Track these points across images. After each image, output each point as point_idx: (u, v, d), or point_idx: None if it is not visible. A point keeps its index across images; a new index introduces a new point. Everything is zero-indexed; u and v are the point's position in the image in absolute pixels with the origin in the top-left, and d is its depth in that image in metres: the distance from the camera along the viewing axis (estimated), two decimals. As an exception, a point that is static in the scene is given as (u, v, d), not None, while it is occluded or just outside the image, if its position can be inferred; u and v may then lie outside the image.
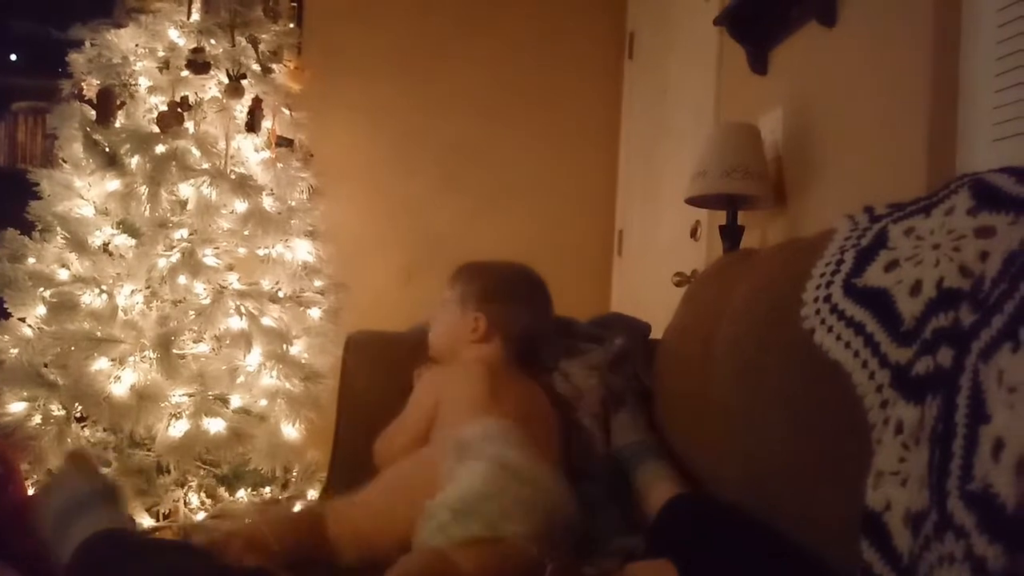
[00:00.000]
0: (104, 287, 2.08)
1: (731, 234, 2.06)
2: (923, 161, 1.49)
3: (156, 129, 2.19)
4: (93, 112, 2.21)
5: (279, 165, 2.34)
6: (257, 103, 2.31)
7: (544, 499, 1.05)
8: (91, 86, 2.24)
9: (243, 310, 2.14)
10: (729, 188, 1.96)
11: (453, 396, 1.32)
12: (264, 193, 2.28)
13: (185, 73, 2.23)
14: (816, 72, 1.94)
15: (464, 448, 1.12)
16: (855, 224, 1.07)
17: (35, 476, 2.02)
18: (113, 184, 2.16)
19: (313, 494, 2.19)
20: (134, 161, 2.15)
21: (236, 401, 2.15)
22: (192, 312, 2.10)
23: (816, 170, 1.92)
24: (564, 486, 1.12)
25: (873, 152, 1.69)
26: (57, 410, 2.04)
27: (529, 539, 1.01)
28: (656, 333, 1.68)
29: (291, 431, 2.19)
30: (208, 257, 2.16)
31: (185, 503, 2.10)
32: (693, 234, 2.56)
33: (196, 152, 2.20)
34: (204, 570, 0.97)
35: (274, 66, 2.39)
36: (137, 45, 2.28)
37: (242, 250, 2.27)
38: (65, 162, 2.25)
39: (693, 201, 2.12)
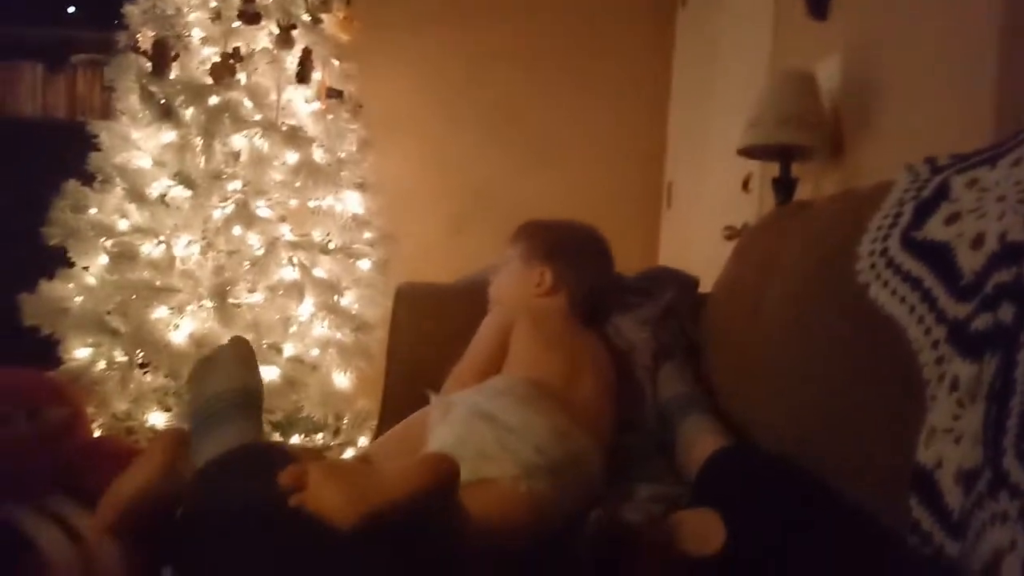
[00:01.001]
0: (162, 237, 2.13)
1: (784, 186, 2.01)
2: (990, 110, 1.43)
3: (209, 80, 2.21)
4: (149, 64, 2.24)
5: (329, 117, 2.35)
6: (307, 54, 2.31)
7: (529, 441, 1.03)
8: (146, 38, 2.26)
9: (295, 261, 2.17)
10: (783, 138, 1.91)
11: (525, 336, 1.32)
12: (315, 145, 2.30)
13: (236, 24, 2.24)
14: (879, 17, 1.87)
15: (447, 407, 1.12)
16: (916, 176, 1.04)
17: (100, 419, 2.11)
18: (169, 136, 2.20)
19: (364, 441, 2.24)
20: (188, 113, 2.18)
21: (289, 350, 2.20)
22: (246, 263, 2.15)
23: (875, 120, 1.86)
24: (565, 428, 1.09)
25: (936, 101, 1.63)
26: (120, 356, 2.11)
27: (519, 478, 1.00)
28: (705, 287, 1.67)
29: (342, 380, 2.24)
30: (261, 208, 2.19)
31: (242, 445, 2.17)
32: (745, 186, 2.51)
33: (248, 104, 2.22)
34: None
35: (324, 16, 2.39)
36: (190, -4, 2.29)
37: (293, 202, 2.30)
38: (123, 114, 2.29)
39: (745, 152, 2.07)
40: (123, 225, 2.19)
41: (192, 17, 2.28)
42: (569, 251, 1.45)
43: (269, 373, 2.11)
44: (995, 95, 1.42)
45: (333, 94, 2.41)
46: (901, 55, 1.77)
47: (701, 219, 3.00)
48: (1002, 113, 1.41)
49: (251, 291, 2.20)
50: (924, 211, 0.97)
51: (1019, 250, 0.81)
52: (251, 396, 1.10)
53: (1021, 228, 0.83)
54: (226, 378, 1.10)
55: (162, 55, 2.22)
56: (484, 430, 1.05)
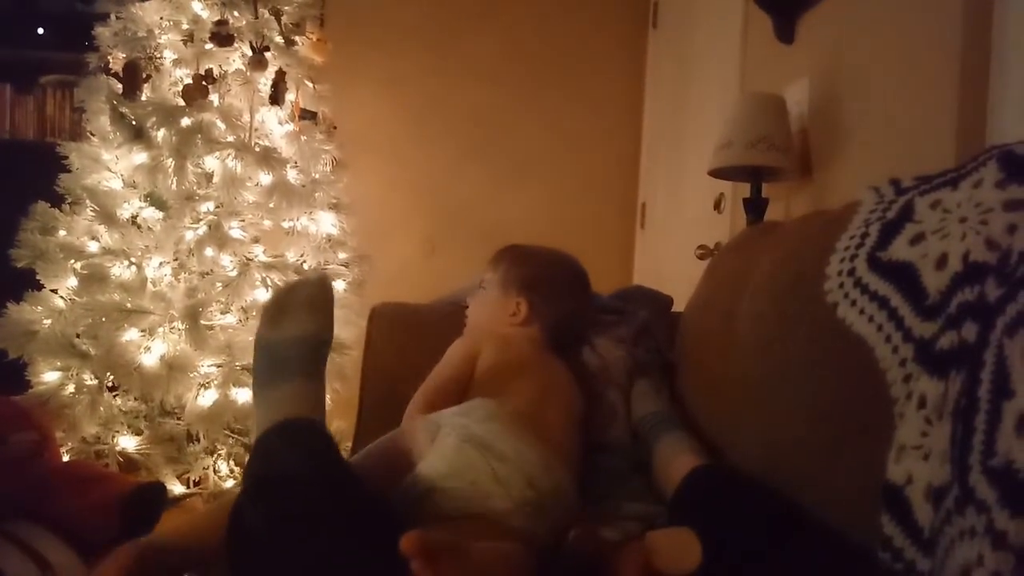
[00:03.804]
0: (133, 259, 2.11)
1: (755, 206, 2.04)
2: (952, 132, 1.46)
3: (181, 102, 2.20)
4: (119, 85, 2.23)
5: (303, 138, 2.35)
6: (280, 75, 2.32)
7: (522, 473, 1.02)
8: (117, 59, 2.25)
9: (269, 282, 2.16)
10: (754, 160, 1.94)
11: (493, 363, 1.32)
12: (288, 166, 2.29)
13: (209, 46, 2.24)
14: (844, 41, 1.91)
15: (437, 426, 1.10)
16: (881, 197, 1.06)
17: (69, 443, 2.07)
18: (140, 157, 2.19)
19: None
20: (160, 134, 2.17)
21: (263, 372, 2.17)
22: (219, 284, 2.13)
23: (842, 142, 1.89)
24: (549, 460, 1.08)
25: (901, 123, 1.66)
26: (90, 379, 2.08)
27: (511, 513, 0.99)
28: (678, 306, 1.68)
29: (317, 401, 2.22)
30: (234, 229, 2.18)
31: (214, 470, 2.14)
32: (717, 206, 2.54)
33: (221, 125, 2.22)
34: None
35: (297, 38, 2.39)
36: (162, 18, 2.29)
37: (267, 222, 2.29)
38: (93, 135, 2.27)
39: (717, 173, 2.10)
40: (93, 247, 2.16)
41: (164, 39, 2.27)
42: (546, 283, 1.44)
43: (243, 395, 2.09)
44: (957, 118, 1.46)
45: (306, 115, 2.42)
46: (866, 78, 1.81)
47: (674, 238, 3.03)
48: (963, 135, 1.44)
49: (224, 312, 2.19)
50: (889, 232, 0.98)
51: (981, 270, 0.83)
52: (318, 345, 1.09)
53: (983, 248, 0.84)
54: (299, 323, 1.09)
55: (133, 77, 2.21)
56: (477, 460, 1.03)
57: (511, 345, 1.37)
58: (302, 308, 1.11)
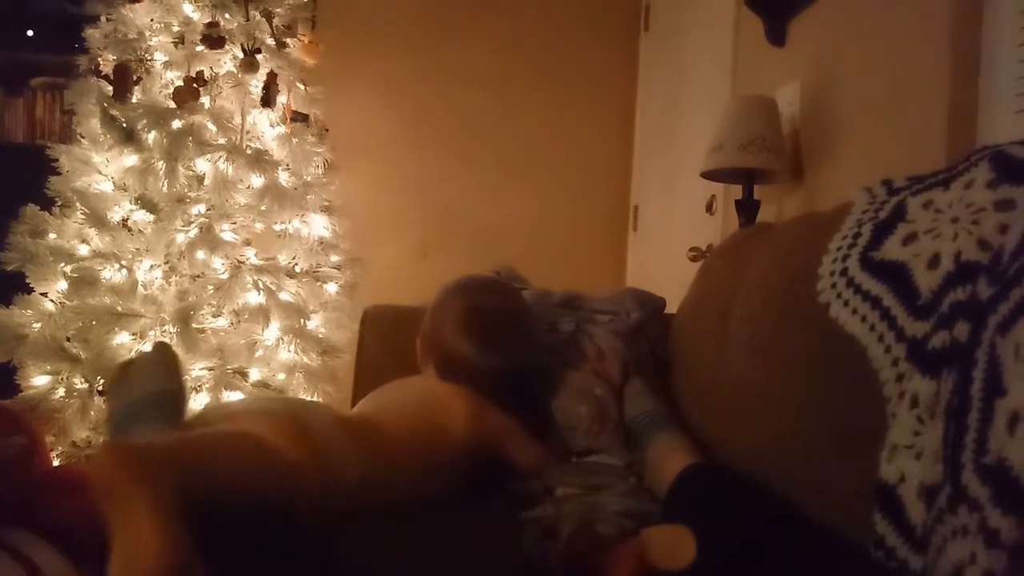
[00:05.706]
0: (124, 262, 2.10)
1: (747, 208, 2.05)
2: (943, 133, 1.47)
3: (172, 104, 2.19)
4: (110, 88, 2.22)
5: (294, 140, 2.34)
6: (272, 78, 2.31)
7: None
8: (107, 61, 2.24)
9: (261, 285, 2.15)
10: (745, 162, 1.95)
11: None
12: (280, 168, 2.28)
13: (200, 48, 2.23)
14: (835, 43, 1.92)
15: None
16: (873, 197, 1.07)
17: (59, 448, 2.06)
18: (131, 159, 2.17)
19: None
20: (151, 136, 2.16)
21: (255, 375, 2.17)
22: (210, 287, 2.12)
23: (834, 143, 1.90)
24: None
25: (892, 125, 1.67)
26: (80, 383, 2.07)
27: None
28: (671, 308, 1.69)
29: (309, 404, 2.21)
30: (225, 232, 2.17)
31: (206, 474, 2.13)
32: (709, 209, 2.55)
33: (212, 127, 2.21)
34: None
35: (288, 40, 2.39)
36: (152, 20, 2.27)
37: (259, 225, 2.28)
38: (83, 138, 2.26)
39: (709, 175, 2.11)
40: (83, 250, 2.15)
41: (155, 41, 2.26)
42: (429, 327, 1.45)
43: (235, 399, 2.08)
44: (947, 119, 1.47)
45: (298, 117, 2.41)
46: (858, 80, 1.82)
47: (667, 241, 3.03)
48: (954, 136, 1.45)
49: (216, 316, 2.17)
50: (882, 232, 0.99)
51: (973, 269, 0.83)
52: (172, 399, 1.07)
53: (974, 248, 0.85)
54: (146, 382, 1.07)
55: (124, 79, 2.19)
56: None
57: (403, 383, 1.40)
58: (148, 369, 1.10)
